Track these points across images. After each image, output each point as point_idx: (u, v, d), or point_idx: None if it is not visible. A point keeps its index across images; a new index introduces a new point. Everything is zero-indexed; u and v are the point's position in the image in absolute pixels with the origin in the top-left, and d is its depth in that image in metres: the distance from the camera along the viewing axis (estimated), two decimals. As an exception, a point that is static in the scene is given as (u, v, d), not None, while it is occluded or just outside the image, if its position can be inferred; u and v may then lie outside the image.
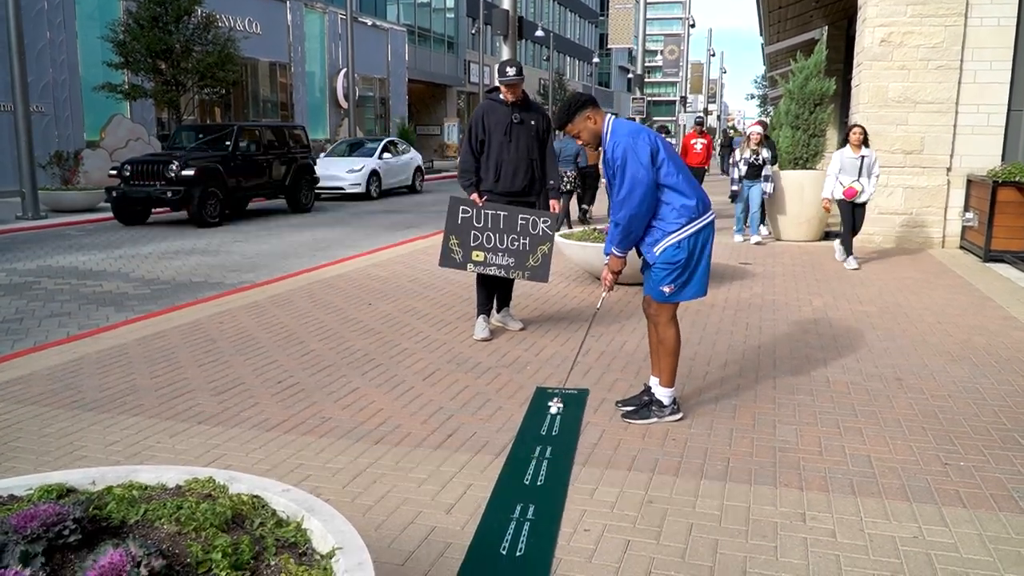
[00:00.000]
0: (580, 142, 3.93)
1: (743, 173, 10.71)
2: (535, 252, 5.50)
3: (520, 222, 5.48)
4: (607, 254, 4.00)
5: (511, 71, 5.42)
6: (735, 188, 10.94)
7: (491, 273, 5.57)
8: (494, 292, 5.88)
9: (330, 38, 32.30)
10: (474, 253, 5.50)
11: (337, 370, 4.94)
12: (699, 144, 13.93)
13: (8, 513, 1.90)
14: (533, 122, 5.56)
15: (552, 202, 5.66)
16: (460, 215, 5.50)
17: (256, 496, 2.16)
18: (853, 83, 11.48)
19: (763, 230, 11.19)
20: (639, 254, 3.99)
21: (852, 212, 8.53)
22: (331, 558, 1.86)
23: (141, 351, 5.40)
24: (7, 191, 17.95)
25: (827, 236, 11.07)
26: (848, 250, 8.65)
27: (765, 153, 10.55)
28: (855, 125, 8.49)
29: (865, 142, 8.42)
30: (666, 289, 3.83)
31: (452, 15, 43.52)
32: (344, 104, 31.28)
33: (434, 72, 41.33)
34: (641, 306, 4.19)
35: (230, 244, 11.54)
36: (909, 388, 4.56)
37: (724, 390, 4.53)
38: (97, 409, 4.25)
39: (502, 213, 5.47)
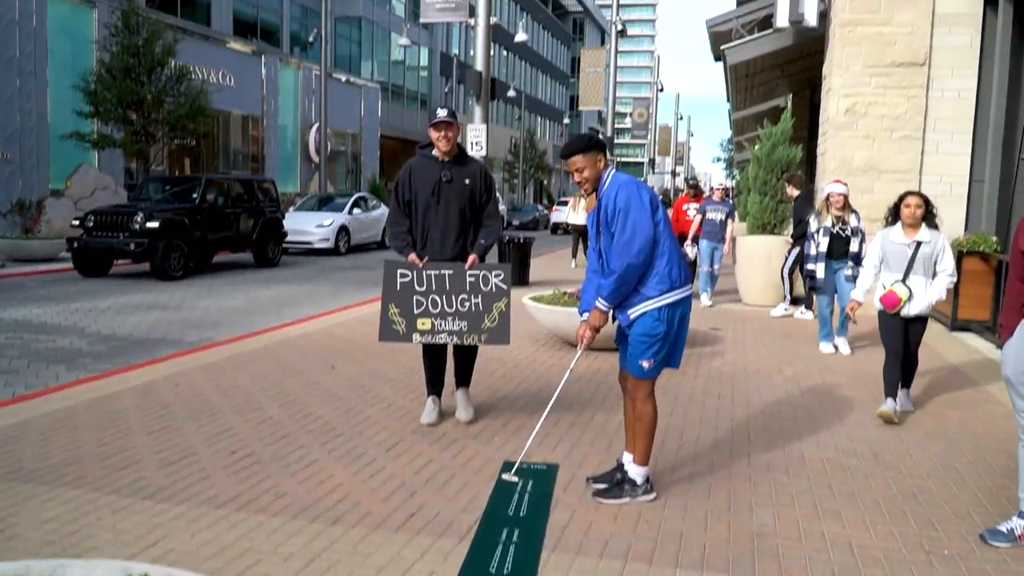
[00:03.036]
0: (576, 179, 3.81)
1: (822, 249, 7.41)
2: (490, 311, 4.84)
3: (469, 279, 4.83)
4: (586, 311, 3.86)
5: (442, 112, 4.81)
6: (811, 268, 7.52)
7: (442, 341, 4.89)
8: (442, 365, 5.13)
9: (304, 92, 32.43)
10: (419, 321, 4.80)
11: (295, 440, 4.71)
12: (692, 209, 11.52)
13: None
14: (467, 180, 4.87)
15: (472, 257, 4.86)
16: (399, 280, 4.81)
17: (193, 602, 1.96)
18: (819, 151, 11.68)
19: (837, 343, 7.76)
20: (613, 319, 3.87)
21: (903, 331, 5.35)
22: None
23: (89, 416, 5.13)
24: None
25: (794, 301, 11.10)
26: (890, 390, 5.34)
27: (853, 221, 7.39)
28: (911, 194, 5.30)
29: (928, 220, 5.27)
30: (645, 364, 3.71)
31: (425, 73, 44.10)
32: (316, 158, 31.24)
33: (407, 128, 41.62)
34: (618, 379, 4.05)
35: (193, 299, 11.26)
36: (886, 466, 4.45)
37: (698, 467, 4.39)
38: (35, 480, 3.98)
39: (447, 272, 4.82)
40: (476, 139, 11.92)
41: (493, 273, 4.87)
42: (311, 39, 28.15)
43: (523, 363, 6.92)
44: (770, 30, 12.38)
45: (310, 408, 5.40)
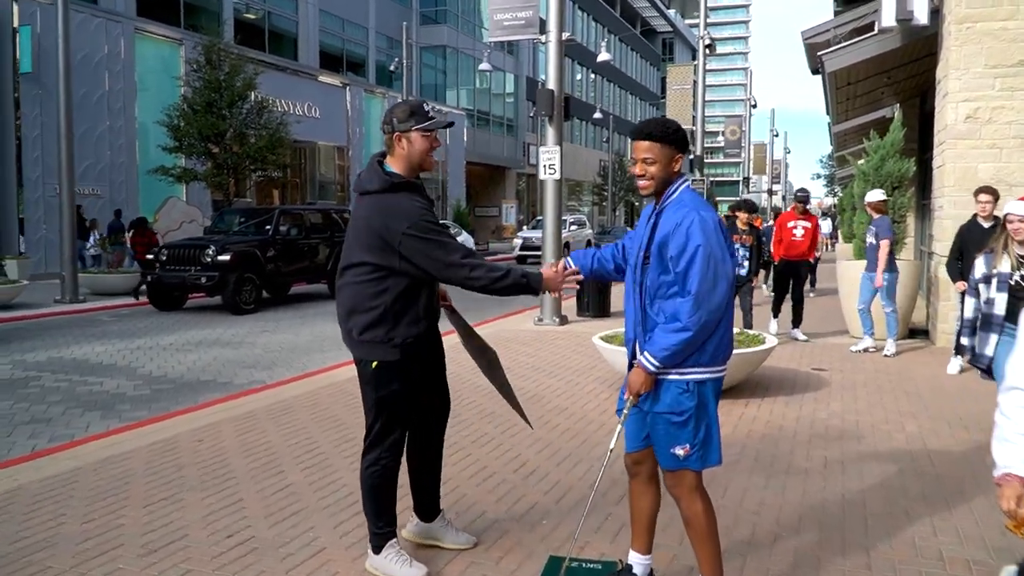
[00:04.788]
0: (637, 171, 2.83)
1: (997, 311, 4.27)
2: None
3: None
4: (634, 359, 2.89)
5: (426, 106, 3.29)
6: (968, 343, 4.57)
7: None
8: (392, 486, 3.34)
9: (389, 122, 32.53)
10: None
11: (307, 518, 3.97)
12: (800, 228, 9.72)
13: None
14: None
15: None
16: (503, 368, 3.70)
17: None
18: (934, 164, 10.36)
19: None
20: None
21: None
22: None
23: (91, 481, 4.54)
24: (55, 273, 17.90)
25: (912, 334, 9.79)
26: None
27: None
28: None
29: None
30: (680, 451, 2.79)
31: (512, 99, 43.83)
32: (400, 186, 31.21)
33: (493, 154, 41.39)
34: (623, 462, 3.15)
35: (257, 334, 10.86)
36: (1057, 573, 3.35)
37: (801, 569, 3.40)
38: (-6, 572, 3.38)
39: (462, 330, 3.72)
40: (550, 161, 11.13)
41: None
42: (393, 68, 28.16)
43: (591, 415, 6.02)
44: (873, 32, 11.16)
45: (336, 472, 4.67)
